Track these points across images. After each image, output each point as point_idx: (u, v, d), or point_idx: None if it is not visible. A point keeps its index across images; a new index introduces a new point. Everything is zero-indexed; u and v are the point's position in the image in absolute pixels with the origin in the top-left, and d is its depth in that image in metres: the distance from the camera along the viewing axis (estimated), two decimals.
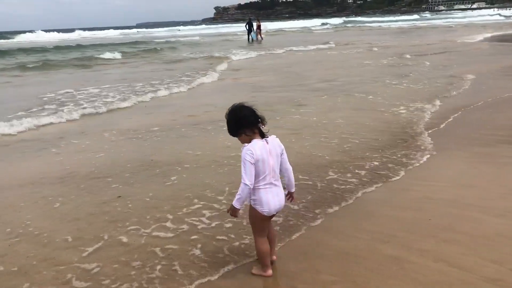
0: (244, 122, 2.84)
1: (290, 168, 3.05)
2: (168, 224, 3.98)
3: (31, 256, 3.53)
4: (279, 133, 3.28)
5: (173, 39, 37.65)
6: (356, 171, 5.13)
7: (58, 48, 29.78)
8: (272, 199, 2.90)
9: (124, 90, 11.93)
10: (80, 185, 5.09)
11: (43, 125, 8.34)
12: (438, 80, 11.37)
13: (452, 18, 75.75)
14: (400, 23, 60.76)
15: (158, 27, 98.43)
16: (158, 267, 3.29)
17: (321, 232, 3.73)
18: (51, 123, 8.51)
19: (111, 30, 73.93)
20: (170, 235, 3.78)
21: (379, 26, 54.45)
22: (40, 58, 22.96)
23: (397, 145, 6.04)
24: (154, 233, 3.83)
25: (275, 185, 2.93)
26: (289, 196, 3.18)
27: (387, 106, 8.52)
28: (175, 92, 11.57)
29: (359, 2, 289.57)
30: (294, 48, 23.69)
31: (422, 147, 5.91)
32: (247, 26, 33.61)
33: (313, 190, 4.61)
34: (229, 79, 13.76)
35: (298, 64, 17.04)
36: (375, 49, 21.42)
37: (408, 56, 17.29)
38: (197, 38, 39.58)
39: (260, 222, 2.99)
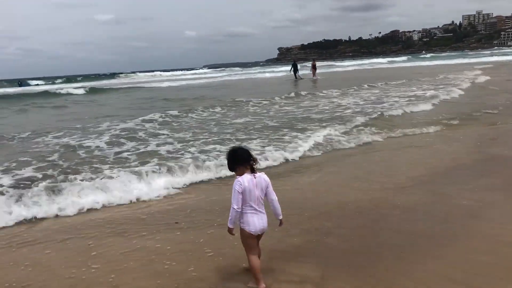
0: (239, 160, 3.57)
1: (275, 198, 3.64)
2: None
3: None
4: None
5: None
6: None
7: None
8: (257, 221, 3.55)
9: None
10: None
11: None
12: None
13: None
14: None
15: (224, 68, 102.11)
16: None
17: (395, 273, 3.77)
18: None
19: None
20: None
21: None
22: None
23: None
24: None
25: (260, 211, 3.57)
26: (279, 222, 3.75)
27: None
28: None
29: (425, 39, 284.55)
30: None
31: None
32: (292, 68, 36.67)
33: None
34: None
35: None
36: None
37: None
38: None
39: (249, 240, 3.59)
